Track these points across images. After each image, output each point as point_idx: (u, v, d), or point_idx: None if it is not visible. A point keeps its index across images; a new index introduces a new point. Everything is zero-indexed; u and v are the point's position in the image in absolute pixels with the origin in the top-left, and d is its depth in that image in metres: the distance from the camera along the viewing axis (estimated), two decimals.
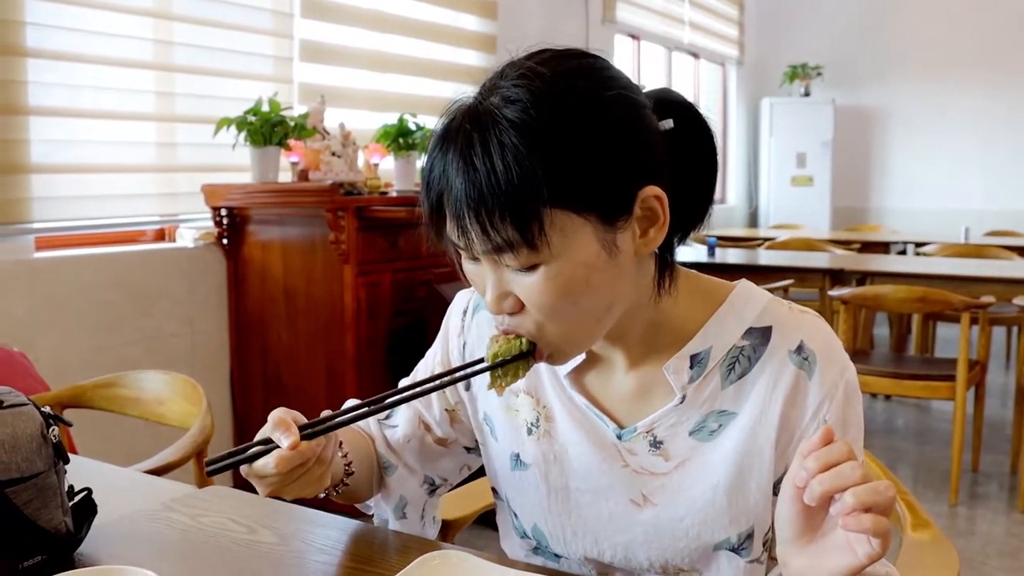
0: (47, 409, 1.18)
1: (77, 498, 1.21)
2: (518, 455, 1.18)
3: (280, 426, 0.98)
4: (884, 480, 0.83)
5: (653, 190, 0.96)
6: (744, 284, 1.11)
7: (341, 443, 1.16)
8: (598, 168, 0.92)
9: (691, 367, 1.06)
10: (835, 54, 8.75)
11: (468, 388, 1.25)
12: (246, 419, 3.75)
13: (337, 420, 1.00)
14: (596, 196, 0.92)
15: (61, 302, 3.12)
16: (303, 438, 0.97)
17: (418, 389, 1.06)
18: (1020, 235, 6.86)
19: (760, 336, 1.06)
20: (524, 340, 0.99)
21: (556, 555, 1.19)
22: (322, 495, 1.15)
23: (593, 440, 1.11)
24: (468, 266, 0.99)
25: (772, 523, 1.06)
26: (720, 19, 8.49)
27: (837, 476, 0.82)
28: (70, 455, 1.22)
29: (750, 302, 1.08)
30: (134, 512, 1.31)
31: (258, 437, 1.01)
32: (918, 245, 6.45)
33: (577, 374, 1.14)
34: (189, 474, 2.00)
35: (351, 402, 1.09)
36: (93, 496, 1.22)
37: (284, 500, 1.04)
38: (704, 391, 1.06)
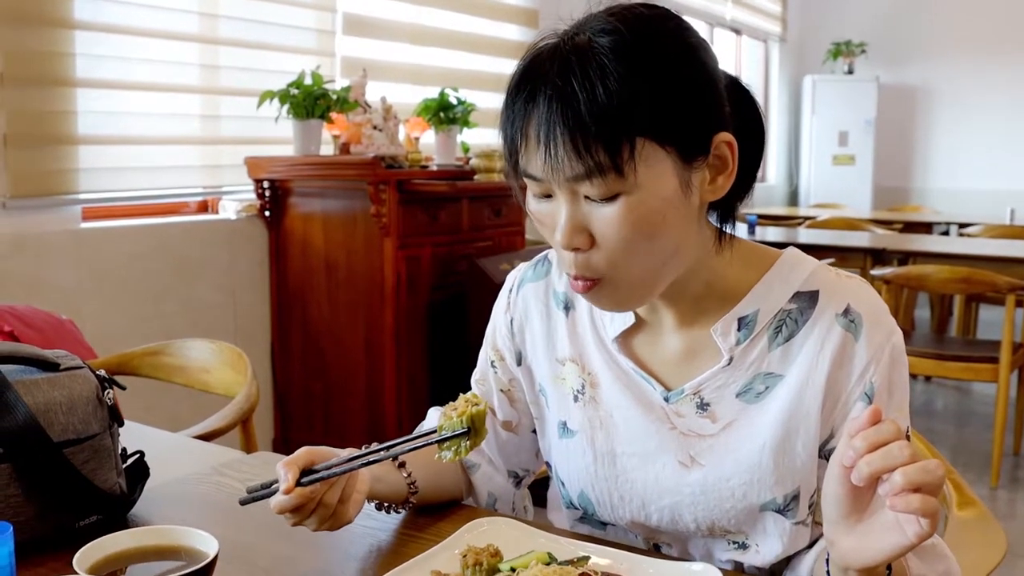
0: (102, 373, 1.20)
1: (130, 460, 1.23)
2: (565, 423, 1.20)
3: (280, 470, 1.02)
4: (933, 459, 0.82)
5: (726, 136, 0.99)
6: (792, 251, 1.12)
7: (404, 464, 1.17)
8: (686, 104, 0.95)
9: (739, 329, 1.07)
10: (879, 31, 8.61)
11: (520, 363, 1.25)
12: (286, 390, 3.79)
13: (330, 472, 1.02)
14: (681, 131, 0.95)
15: (106, 272, 3.17)
16: (300, 484, 1.01)
17: (387, 451, 1.05)
18: None
19: (807, 300, 1.07)
20: (465, 418, 1.00)
21: (602, 523, 1.21)
22: (390, 512, 1.19)
23: (640, 403, 1.13)
24: (539, 206, 1.00)
25: (818, 486, 1.07)
26: None
27: (886, 456, 0.81)
28: None
29: (797, 267, 1.09)
30: (185, 475, 1.33)
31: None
32: (961, 226, 6.36)
33: (624, 338, 1.15)
34: (234, 442, 2.03)
35: (347, 451, 1.09)
36: (145, 459, 1.25)
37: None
38: (751, 353, 1.07)
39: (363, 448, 1.06)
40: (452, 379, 3.73)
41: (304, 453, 1.04)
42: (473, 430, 1.00)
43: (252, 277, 3.72)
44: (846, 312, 1.05)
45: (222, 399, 2.15)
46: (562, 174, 0.94)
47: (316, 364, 3.72)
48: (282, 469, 1.02)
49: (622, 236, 0.95)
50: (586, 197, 0.96)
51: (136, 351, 2.28)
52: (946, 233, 6.67)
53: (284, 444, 3.73)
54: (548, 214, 0.99)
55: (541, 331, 1.22)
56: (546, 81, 0.94)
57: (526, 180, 0.99)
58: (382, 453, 1.04)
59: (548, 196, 0.99)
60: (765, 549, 1.11)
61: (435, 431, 1.04)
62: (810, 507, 1.10)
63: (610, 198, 0.94)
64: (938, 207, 7.96)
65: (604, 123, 0.91)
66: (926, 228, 6.55)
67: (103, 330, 3.08)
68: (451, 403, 1.05)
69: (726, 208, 1.07)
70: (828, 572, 0.96)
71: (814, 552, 1.08)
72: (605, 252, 0.97)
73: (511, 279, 1.29)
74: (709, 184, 1.00)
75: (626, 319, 1.14)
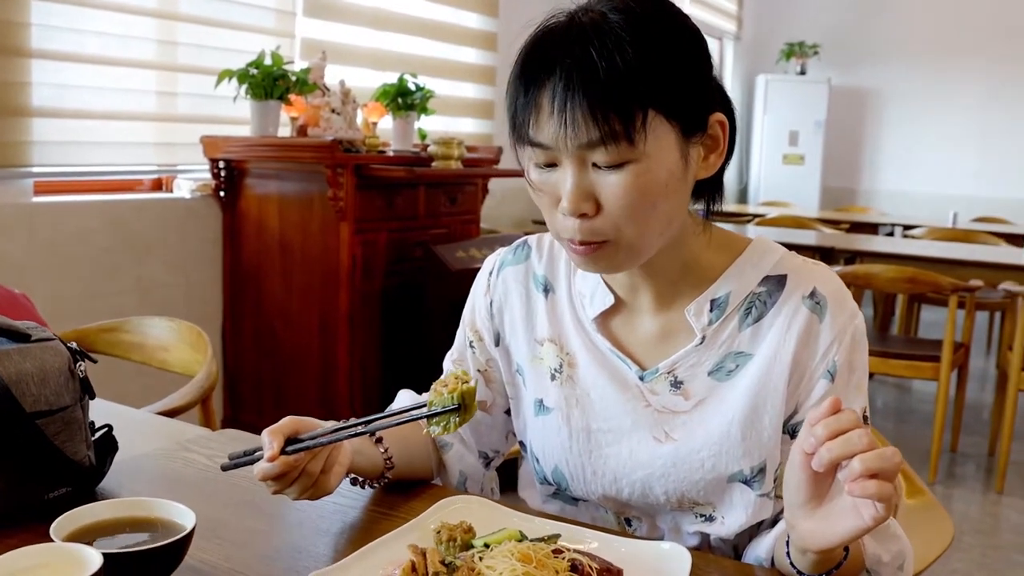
0: (73, 345, 1.19)
1: (98, 434, 1.23)
2: (541, 400, 1.23)
3: (265, 437, 1.03)
4: (890, 447, 0.86)
5: (720, 116, 1.06)
6: (761, 238, 1.19)
7: (381, 439, 1.20)
8: (691, 81, 1.02)
9: (711, 310, 1.13)
10: (832, 33, 8.75)
11: (498, 343, 1.29)
12: (237, 372, 3.77)
13: (315, 441, 1.04)
14: (686, 107, 1.01)
15: (57, 247, 3.12)
16: (285, 453, 1.02)
17: (373, 423, 1.07)
18: (1007, 222, 6.92)
19: (776, 283, 1.13)
20: (456, 395, 1.02)
21: (574, 499, 1.25)
22: (365, 486, 1.21)
23: (616, 382, 1.17)
24: (541, 175, 1.04)
25: (782, 460, 1.12)
26: None
27: (845, 443, 0.85)
28: None
29: (767, 254, 1.16)
30: (153, 451, 1.33)
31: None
32: (906, 228, 6.50)
33: (602, 319, 1.19)
34: (192, 421, 2.02)
35: (330, 423, 1.11)
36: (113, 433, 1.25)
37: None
38: (723, 333, 1.13)
39: (347, 421, 1.07)
40: (405, 365, 3.74)
41: (289, 422, 1.05)
42: (463, 406, 1.02)
43: (205, 257, 3.69)
44: (812, 295, 1.11)
45: (173, 378, 2.14)
46: (575, 141, 0.98)
47: (268, 346, 3.70)
48: (267, 437, 1.03)
49: (627, 203, 1.00)
50: (594, 165, 1.00)
51: (92, 327, 2.26)
52: (891, 234, 6.81)
53: (234, 426, 3.69)
54: (551, 183, 1.03)
55: (521, 313, 1.26)
56: (564, 51, 0.98)
57: (532, 149, 1.02)
58: (369, 425, 1.06)
59: (552, 166, 1.02)
60: (730, 520, 1.16)
61: (415, 408, 1.06)
62: (775, 480, 1.14)
63: (618, 166, 0.99)
64: (884, 208, 8.12)
65: (621, 92, 0.96)
66: (872, 229, 6.68)
67: (53, 306, 3.04)
68: (440, 379, 1.07)
69: (714, 185, 1.13)
70: (788, 554, 1.01)
71: (774, 534, 1.12)
72: (609, 218, 1.01)
73: (491, 262, 1.32)
74: (703, 161, 1.06)
75: (604, 301, 1.18)
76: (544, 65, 0.99)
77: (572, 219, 1.02)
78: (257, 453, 1.04)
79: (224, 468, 1.07)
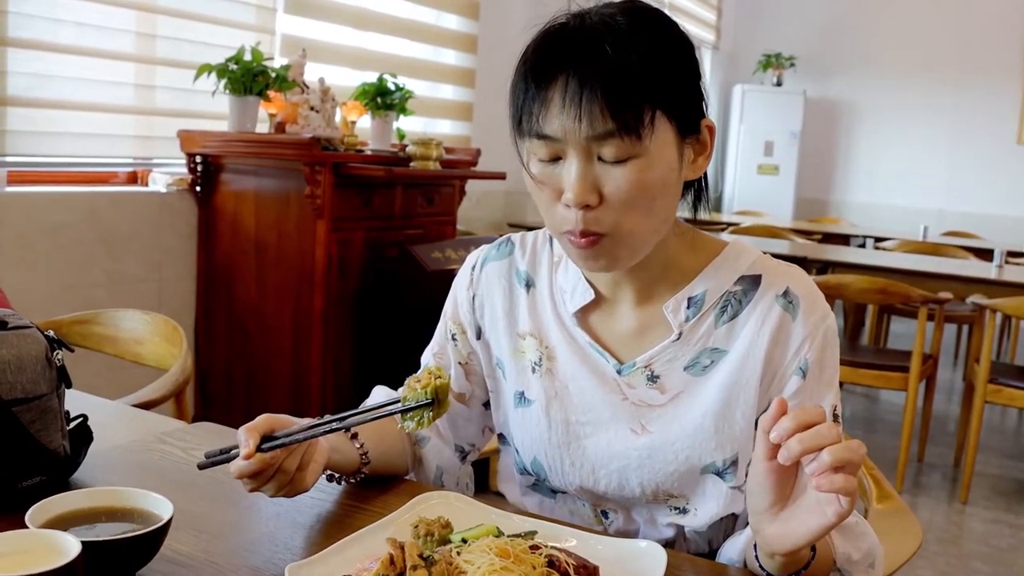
0: (51, 333, 1.19)
1: (74, 423, 1.22)
2: (522, 393, 1.26)
3: (241, 435, 1.04)
4: (856, 440, 0.88)
5: (709, 121, 1.12)
6: (738, 240, 1.23)
7: (356, 435, 1.21)
8: (688, 84, 1.07)
9: (688, 307, 1.16)
10: (809, 46, 8.83)
11: (479, 336, 1.31)
12: (208, 369, 3.74)
13: (291, 438, 1.04)
14: (684, 108, 1.06)
15: (29, 239, 3.09)
16: (261, 450, 1.03)
17: (349, 419, 1.08)
18: (977, 237, 7.00)
19: (751, 282, 1.17)
20: (429, 390, 1.03)
21: (552, 491, 1.27)
22: (341, 482, 1.21)
23: (595, 375, 1.20)
24: (544, 169, 1.06)
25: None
26: (699, 2, 8.52)
27: (815, 435, 0.87)
28: None
29: (743, 255, 1.19)
30: (129, 442, 1.32)
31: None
32: (877, 240, 6.57)
33: (582, 314, 1.22)
34: (165, 415, 2.01)
35: (306, 420, 1.11)
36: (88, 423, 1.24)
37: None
38: (699, 330, 1.16)
39: (322, 418, 1.08)
40: (378, 364, 3.73)
41: (264, 420, 1.06)
42: (437, 401, 1.03)
43: (179, 253, 3.66)
44: (785, 294, 1.15)
45: (146, 372, 2.13)
46: (588, 132, 1.01)
47: (240, 344, 3.68)
48: (243, 434, 1.03)
49: (630, 197, 1.03)
50: (599, 159, 1.02)
51: (64, 319, 2.24)
52: (863, 246, 6.87)
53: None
54: (553, 176, 1.05)
55: (503, 307, 1.28)
56: (577, 48, 1.01)
57: (537, 142, 1.04)
58: (344, 421, 1.06)
59: (556, 160, 1.05)
60: (702, 511, 1.18)
61: (390, 403, 1.06)
62: (747, 473, 1.15)
63: (623, 160, 1.02)
64: (856, 220, 8.20)
65: (634, 88, 1.00)
66: (844, 240, 6.74)
67: (25, 298, 3.00)
68: (414, 375, 1.08)
69: (699, 188, 1.18)
70: (757, 557, 1.02)
71: (745, 535, 1.13)
72: (612, 210, 1.04)
73: (473, 257, 1.34)
74: (692, 163, 1.11)
75: (585, 296, 1.21)
76: (556, 61, 1.02)
77: (574, 211, 1.04)
78: (233, 451, 1.04)
79: (201, 467, 1.07)
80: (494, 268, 1.31)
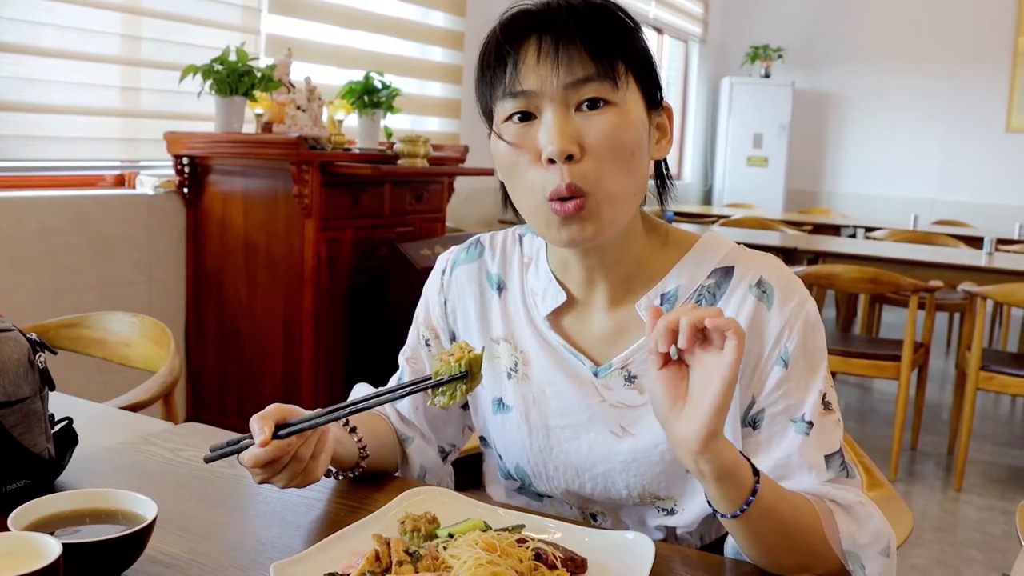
0: (33, 336, 1.18)
1: (58, 426, 1.21)
2: (501, 399, 1.24)
3: (255, 424, 1.03)
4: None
5: (668, 104, 1.14)
6: (711, 234, 1.21)
7: (355, 428, 1.20)
8: (651, 59, 1.10)
9: (661, 304, 1.14)
10: (797, 37, 8.83)
11: (452, 342, 1.29)
12: (200, 371, 3.74)
13: (309, 423, 1.03)
14: (649, 79, 1.09)
15: (18, 243, 3.08)
16: (277, 437, 1.02)
17: (372, 400, 1.07)
18: (967, 225, 7.01)
19: (723, 275, 1.15)
20: (463, 363, 1.02)
21: (539, 494, 1.25)
22: (339, 477, 1.21)
23: (571, 378, 1.18)
24: (520, 130, 1.06)
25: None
26: None
27: (677, 312, 0.91)
28: None
29: (715, 248, 1.17)
30: (115, 444, 1.32)
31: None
32: (868, 230, 6.57)
33: (555, 317, 1.20)
34: (154, 416, 2.00)
35: (317, 410, 1.10)
36: (73, 426, 1.23)
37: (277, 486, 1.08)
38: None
39: (335, 406, 1.07)
40: (370, 364, 3.73)
41: (276, 409, 1.05)
42: (470, 374, 1.02)
43: (168, 254, 3.65)
44: (759, 283, 1.12)
45: (135, 375, 2.12)
46: (563, 81, 1.02)
47: (232, 345, 3.67)
48: (257, 423, 1.02)
49: (611, 146, 1.03)
50: (577, 109, 1.03)
51: (52, 323, 2.23)
52: (853, 236, 6.88)
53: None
54: (528, 136, 1.05)
55: (475, 311, 1.26)
56: (548, 15, 1.04)
57: (511, 101, 1.05)
58: (362, 404, 1.05)
59: (529, 118, 1.05)
60: (690, 508, 1.16)
61: (423, 379, 1.05)
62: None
63: (602, 108, 1.03)
64: (846, 211, 8.20)
65: (609, 42, 1.04)
66: (834, 230, 6.75)
67: (14, 303, 3.00)
68: (446, 350, 1.08)
69: (664, 174, 1.19)
70: (713, 509, 0.99)
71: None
72: (594, 161, 1.03)
73: (443, 261, 1.32)
74: (656, 143, 1.12)
75: (557, 298, 1.19)
76: (529, 25, 1.05)
77: (556, 168, 1.03)
78: (243, 442, 1.03)
79: (207, 460, 1.06)
80: (464, 272, 1.29)
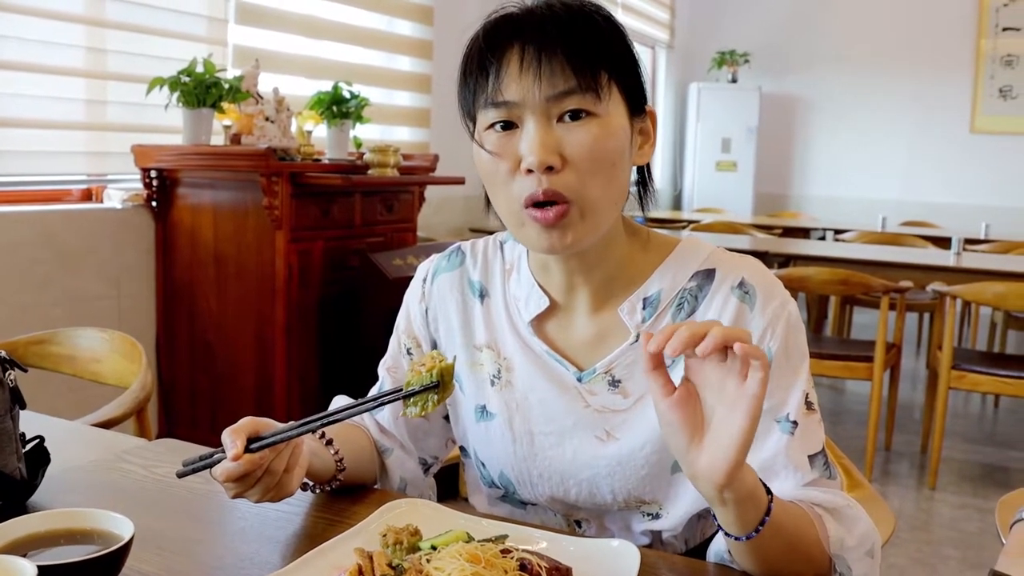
0: (3, 354, 1.16)
1: (30, 445, 1.19)
2: (484, 407, 1.23)
3: (227, 437, 1.01)
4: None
5: (651, 109, 1.13)
6: (691, 237, 1.21)
7: (331, 441, 1.18)
8: (636, 66, 1.09)
9: (643, 308, 1.15)
10: (763, 42, 8.90)
11: (435, 349, 1.27)
12: (171, 385, 3.69)
13: (281, 436, 1.02)
14: (634, 87, 1.09)
15: None
16: (249, 451, 1.00)
17: (344, 412, 1.05)
18: (934, 226, 7.08)
19: (705, 277, 1.15)
20: (434, 372, 1.01)
21: (523, 502, 1.24)
22: (317, 491, 1.20)
23: (555, 384, 1.17)
24: (502, 140, 1.05)
25: None
26: (652, 2, 8.55)
27: (690, 326, 0.87)
28: None
29: (696, 251, 1.18)
30: (88, 463, 1.29)
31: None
32: (837, 232, 6.62)
33: (538, 323, 1.20)
34: (127, 433, 1.97)
35: (290, 423, 1.09)
36: (45, 444, 1.21)
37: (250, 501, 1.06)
38: (656, 330, 1.10)
39: (310, 417, 1.05)
40: (344, 375, 3.70)
41: (249, 422, 1.03)
42: (442, 384, 1.01)
43: (138, 269, 3.61)
44: (741, 285, 1.13)
45: (106, 391, 2.09)
46: (544, 94, 1.02)
47: (203, 359, 3.63)
48: (229, 437, 1.01)
49: (592, 157, 1.03)
50: (559, 120, 1.03)
51: (20, 339, 2.20)
52: (823, 238, 6.93)
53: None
54: (509, 145, 1.04)
55: (458, 320, 1.25)
56: (531, 22, 1.03)
57: (493, 111, 1.04)
58: (336, 415, 1.04)
59: (511, 128, 1.04)
60: (674, 511, 1.16)
61: (395, 391, 1.04)
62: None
63: (583, 120, 1.03)
64: (815, 213, 8.26)
65: (592, 52, 1.03)
66: (804, 233, 6.79)
67: None
68: (417, 360, 1.06)
69: (646, 178, 1.18)
70: (721, 529, 0.97)
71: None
72: (575, 172, 1.03)
73: (424, 269, 1.31)
74: (639, 149, 1.12)
75: (539, 304, 1.18)
76: (511, 34, 1.04)
77: (535, 176, 1.02)
78: (215, 456, 1.02)
79: (180, 475, 1.04)
80: (446, 280, 1.28)
